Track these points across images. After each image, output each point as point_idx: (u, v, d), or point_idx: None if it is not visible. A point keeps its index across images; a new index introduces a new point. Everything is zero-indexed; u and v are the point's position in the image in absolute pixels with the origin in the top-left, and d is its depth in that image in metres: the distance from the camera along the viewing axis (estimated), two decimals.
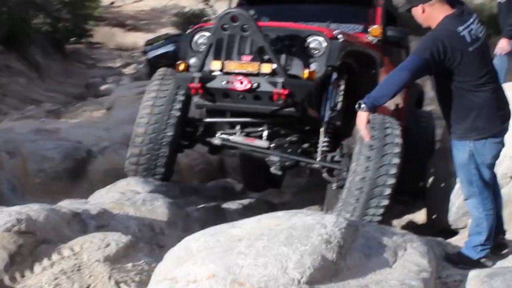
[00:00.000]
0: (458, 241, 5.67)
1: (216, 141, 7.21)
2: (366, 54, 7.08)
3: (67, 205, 5.76)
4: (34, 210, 4.92)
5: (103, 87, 23.18)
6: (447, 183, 7.16)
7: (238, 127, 7.18)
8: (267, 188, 9.37)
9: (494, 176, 5.03)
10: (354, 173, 6.23)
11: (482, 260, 4.74)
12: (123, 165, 7.55)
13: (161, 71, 7.43)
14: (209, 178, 9.70)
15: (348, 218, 4.41)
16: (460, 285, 4.05)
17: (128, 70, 28.42)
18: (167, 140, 7.00)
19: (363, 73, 7.03)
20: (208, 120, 7.35)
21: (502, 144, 4.79)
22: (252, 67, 6.37)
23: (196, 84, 6.43)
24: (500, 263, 4.66)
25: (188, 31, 7.14)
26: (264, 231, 3.80)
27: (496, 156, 4.83)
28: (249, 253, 3.58)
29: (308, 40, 6.45)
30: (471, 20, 4.68)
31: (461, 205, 6.74)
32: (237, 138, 7.11)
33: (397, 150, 6.21)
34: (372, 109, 4.65)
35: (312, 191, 9.71)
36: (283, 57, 6.40)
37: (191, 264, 3.69)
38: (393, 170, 6.15)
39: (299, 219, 3.93)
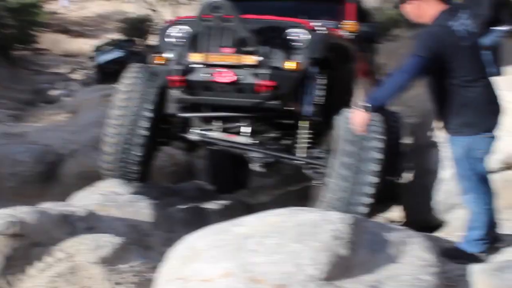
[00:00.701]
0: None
1: (193, 136, 7.00)
2: (344, 48, 7.00)
3: (52, 207, 5.68)
4: (25, 212, 4.84)
5: (52, 93, 23.00)
6: (424, 180, 7.26)
7: (217, 122, 6.99)
8: (235, 189, 9.18)
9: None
10: (334, 170, 6.10)
11: (482, 255, 4.81)
12: (94, 168, 7.41)
13: (131, 68, 7.07)
14: (178, 180, 9.64)
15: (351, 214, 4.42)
16: (462, 278, 4.10)
17: (76, 76, 28.27)
18: (139, 140, 6.71)
19: (340, 68, 6.90)
20: (184, 115, 7.06)
21: (493, 139, 4.87)
22: (235, 59, 6.20)
23: (176, 77, 6.26)
24: (501, 257, 4.72)
25: (163, 24, 7.12)
26: (271, 229, 3.80)
27: (489, 151, 4.90)
28: (262, 251, 3.58)
29: (289, 32, 6.33)
30: (463, 16, 4.76)
31: (441, 200, 6.86)
32: (218, 134, 6.93)
33: (379, 145, 6.13)
34: (376, 110, 4.72)
35: (282, 190, 9.79)
36: (264, 49, 6.23)
37: (201, 262, 3.67)
38: (375, 166, 6.05)
39: (304, 216, 3.94)
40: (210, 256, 3.70)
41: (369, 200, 6.06)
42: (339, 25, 7.37)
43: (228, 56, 6.22)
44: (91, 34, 42.04)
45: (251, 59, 6.13)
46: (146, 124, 6.68)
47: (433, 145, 7.26)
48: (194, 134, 6.97)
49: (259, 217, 4.11)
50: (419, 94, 17.61)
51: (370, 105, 4.70)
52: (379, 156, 6.10)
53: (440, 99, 4.82)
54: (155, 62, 6.62)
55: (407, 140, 8.76)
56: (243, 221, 4.11)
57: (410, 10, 4.84)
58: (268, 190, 10.02)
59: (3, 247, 4.44)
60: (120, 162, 6.80)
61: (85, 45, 36.31)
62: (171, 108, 7.15)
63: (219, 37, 6.29)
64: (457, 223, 6.59)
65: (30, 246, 4.62)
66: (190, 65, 6.29)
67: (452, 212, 6.79)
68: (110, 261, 4.63)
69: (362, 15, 8.24)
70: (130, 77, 6.88)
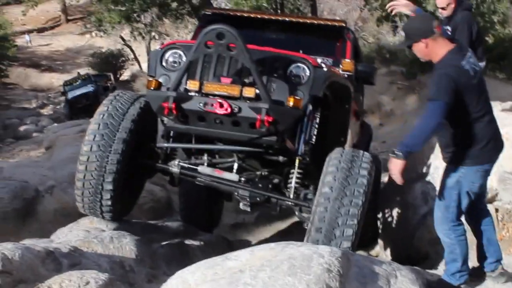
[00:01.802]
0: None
1: (174, 169, 6.65)
2: (344, 87, 6.77)
3: (35, 243, 5.65)
4: (8, 249, 4.79)
5: (22, 128, 22.88)
6: (403, 215, 7.35)
7: (204, 156, 6.73)
8: (207, 226, 8.84)
9: (483, 202, 5.23)
10: (318, 204, 5.79)
11: (462, 287, 4.88)
12: (72, 204, 7.15)
13: (109, 96, 6.67)
14: (158, 216, 9.64)
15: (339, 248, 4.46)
16: None
17: (46, 111, 28.12)
18: (111, 175, 6.30)
19: (336, 107, 6.76)
20: (169, 145, 6.76)
21: (488, 174, 4.98)
22: (234, 90, 5.86)
23: (170, 104, 5.86)
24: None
25: (158, 47, 6.66)
26: (263, 262, 3.83)
27: (483, 186, 5.01)
28: (255, 284, 3.61)
29: (292, 67, 6.05)
30: (469, 54, 4.92)
31: (420, 236, 6.94)
32: (205, 169, 6.60)
33: (363, 181, 5.83)
34: (407, 157, 4.78)
35: (262, 226, 9.82)
36: (264, 82, 5.90)
37: None
38: (358, 200, 5.71)
39: (294, 250, 3.98)
40: None
41: (353, 234, 5.72)
42: (338, 64, 7.16)
43: (227, 86, 5.92)
44: (61, 68, 41.94)
45: (251, 92, 5.81)
46: (118, 157, 6.32)
47: (413, 180, 7.36)
48: (176, 166, 6.65)
49: (251, 251, 4.14)
50: (393, 130, 17.83)
51: (403, 152, 4.77)
52: (364, 190, 5.81)
53: (445, 131, 4.95)
54: (148, 86, 6.17)
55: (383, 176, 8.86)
56: (235, 255, 4.14)
57: (419, 49, 4.97)
58: (247, 226, 10.04)
59: None
60: (92, 199, 6.46)
61: (54, 79, 36.30)
62: (155, 138, 7.01)
63: (219, 65, 6.04)
64: (440, 256, 6.70)
65: (14, 283, 4.56)
66: (185, 92, 6.01)
67: (434, 245, 6.87)
68: None
69: (357, 53, 8.20)
70: (104, 107, 6.51)
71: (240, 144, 6.29)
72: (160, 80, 6.17)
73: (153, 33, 32.71)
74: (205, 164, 6.66)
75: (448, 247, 5.06)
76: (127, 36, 34.42)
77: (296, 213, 6.49)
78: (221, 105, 5.77)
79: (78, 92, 32.02)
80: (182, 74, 5.92)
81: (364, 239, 7.05)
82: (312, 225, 5.80)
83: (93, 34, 28.09)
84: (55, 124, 20.96)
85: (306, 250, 3.97)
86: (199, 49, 5.81)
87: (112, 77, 37.30)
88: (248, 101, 5.81)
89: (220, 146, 6.56)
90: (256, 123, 5.74)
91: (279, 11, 22.86)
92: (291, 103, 5.77)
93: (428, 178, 7.11)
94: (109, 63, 41.26)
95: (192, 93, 5.97)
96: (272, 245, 4.22)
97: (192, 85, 5.96)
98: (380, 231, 8.05)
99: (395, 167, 4.79)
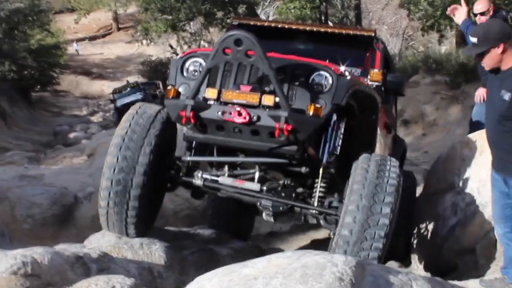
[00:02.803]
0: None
1: (197, 181, 6.50)
2: (369, 97, 6.55)
3: (66, 248, 5.81)
4: (38, 253, 4.97)
5: (71, 135, 23.19)
6: (433, 227, 7.35)
7: (225, 168, 6.58)
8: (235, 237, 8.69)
9: None
10: (345, 214, 5.69)
11: None
12: None
13: (131, 110, 6.51)
14: (194, 224, 9.76)
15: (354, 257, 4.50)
16: None
17: (95, 118, 28.45)
18: (137, 191, 6.14)
19: (362, 118, 6.56)
20: (190, 159, 6.62)
21: None
22: (253, 98, 5.70)
23: (188, 113, 5.73)
24: None
25: (179, 56, 6.49)
26: (277, 270, 3.91)
27: None
28: None
29: (314, 75, 5.90)
30: None
31: (449, 247, 6.94)
32: (226, 179, 6.47)
33: (392, 189, 5.71)
34: None
35: (296, 235, 9.88)
36: (285, 90, 5.75)
37: None
38: (387, 209, 5.61)
39: (309, 258, 4.05)
40: None
41: (382, 245, 5.63)
42: (367, 74, 7.00)
43: (245, 94, 5.77)
44: (112, 76, 42.40)
45: (271, 100, 5.64)
46: (144, 172, 6.15)
47: (443, 191, 7.37)
48: (199, 179, 6.51)
49: (267, 259, 4.22)
50: (435, 141, 17.69)
51: None
52: (391, 199, 5.67)
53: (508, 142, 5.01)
54: (167, 95, 6.06)
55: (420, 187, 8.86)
56: (252, 262, 4.23)
57: (494, 54, 5.00)
58: (282, 235, 10.11)
59: (15, 286, 4.55)
60: (118, 216, 6.30)
61: (105, 87, 36.76)
62: (177, 150, 6.89)
63: (239, 73, 5.92)
64: (468, 267, 6.71)
65: (43, 286, 4.73)
66: (204, 101, 5.86)
67: (463, 256, 6.88)
68: None
69: (387, 63, 8.00)
70: (126, 122, 6.33)
71: (262, 154, 6.20)
72: (180, 89, 6.07)
73: (202, 42, 32.97)
74: (226, 175, 6.52)
75: None
76: (175, 45, 34.69)
77: (321, 222, 6.36)
78: (240, 114, 5.64)
79: (127, 100, 32.42)
80: (200, 82, 5.80)
81: (396, 249, 7.06)
82: (339, 235, 5.70)
83: (143, 42, 28.25)
84: (104, 131, 21.26)
85: (321, 259, 4.03)
86: (217, 56, 5.64)
87: (161, 85, 37.71)
88: (267, 110, 5.67)
89: (242, 158, 6.47)
90: (275, 132, 5.60)
91: (323, 20, 22.92)
92: (311, 112, 5.63)
93: (458, 189, 7.08)
94: (158, 71, 41.67)
95: (211, 102, 5.84)
96: (289, 253, 4.31)
97: (210, 93, 5.84)
98: (413, 242, 8.03)
99: None
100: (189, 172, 6.62)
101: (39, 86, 32.48)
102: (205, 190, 6.74)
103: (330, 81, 5.84)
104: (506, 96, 4.86)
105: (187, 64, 6.22)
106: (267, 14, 27.35)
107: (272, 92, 5.68)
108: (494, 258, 6.50)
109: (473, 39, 5.06)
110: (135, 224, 6.32)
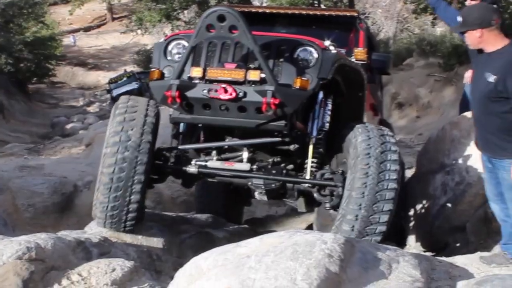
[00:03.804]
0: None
1: (191, 169, 6.36)
2: (355, 72, 6.50)
3: (68, 234, 6.00)
4: (42, 238, 5.18)
5: (68, 126, 23.31)
6: (424, 206, 7.54)
7: (213, 152, 6.49)
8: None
9: None
10: (351, 190, 5.74)
11: None
12: None
13: (122, 100, 6.36)
14: (191, 209, 9.89)
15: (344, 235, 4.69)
16: None
17: (92, 109, 28.46)
18: (138, 186, 6.00)
19: (349, 95, 6.57)
20: (181, 147, 6.52)
21: None
22: (238, 75, 5.65)
23: (173, 93, 5.65)
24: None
25: (161, 40, 6.39)
26: (269, 248, 4.10)
27: None
28: (259, 268, 3.88)
29: (299, 50, 5.89)
30: None
31: (440, 225, 7.13)
32: (215, 163, 6.40)
33: (395, 157, 5.82)
34: None
35: (292, 218, 10.04)
36: (270, 66, 5.68)
37: (205, 280, 3.98)
38: (393, 184, 5.68)
39: (300, 237, 4.23)
40: (213, 274, 4.01)
41: (387, 219, 5.71)
42: (351, 53, 6.86)
43: (230, 71, 5.70)
44: (108, 66, 42.29)
45: (256, 75, 5.60)
46: (145, 167, 6.01)
47: (434, 171, 7.54)
48: (193, 166, 6.39)
49: (260, 239, 4.41)
50: (429, 123, 17.76)
51: None
52: (396, 174, 5.76)
53: (502, 126, 5.11)
54: (151, 77, 5.97)
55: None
56: (245, 242, 4.41)
57: (472, 38, 5.17)
58: (278, 219, 10.27)
59: (21, 271, 4.72)
60: (118, 212, 6.11)
61: (101, 77, 36.65)
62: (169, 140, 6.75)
63: (224, 52, 5.87)
64: (459, 244, 6.90)
65: (47, 269, 4.92)
66: (189, 80, 5.78)
67: (453, 234, 7.07)
68: (122, 283, 4.89)
69: (371, 43, 7.98)
70: (120, 116, 6.14)
71: (250, 135, 6.18)
72: (165, 71, 5.97)
73: None
74: (214, 158, 6.46)
75: None
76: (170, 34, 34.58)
77: (315, 195, 6.27)
78: (226, 90, 5.60)
79: (122, 89, 32.32)
80: (184, 62, 5.72)
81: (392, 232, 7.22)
82: (345, 211, 5.75)
83: (137, 32, 28.23)
84: (100, 121, 21.40)
85: (311, 237, 4.22)
86: (200, 33, 5.57)
87: None
88: (253, 85, 5.62)
89: (233, 142, 6.45)
90: (262, 107, 5.56)
91: (316, 4, 22.98)
92: (298, 85, 5.60)
93: (448, 169, 7.26)
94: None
95: (196, 81, 5.77)
96: (281, 233, 4.49)
97: (195, 72, 5.76)
98: (407, 222, 8.20)
99: None
100: (178, 161, 6.51)
101: (35, 78, 32.49)
102: (197, 177, 6.65)
103: (315, 55, 5.83)
104: (491, 78, 5.00)
105: (170, 46, 6.16)
106: (260, 0, 27.38)
107: (257, 69, 5.66)
108: (484, 235, 6.70)
109: (459, 18, 5.31)
110: (134, 219, 6.19)
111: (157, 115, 6.27)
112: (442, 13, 8.89)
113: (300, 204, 6.94)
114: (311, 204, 6.84)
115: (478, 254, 5.51)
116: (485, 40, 5.11)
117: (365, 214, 5.63)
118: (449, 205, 7.03)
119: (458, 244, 6.97)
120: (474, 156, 6.69)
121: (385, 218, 5.66)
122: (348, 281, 3.97)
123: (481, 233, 6.77)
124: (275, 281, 3.75)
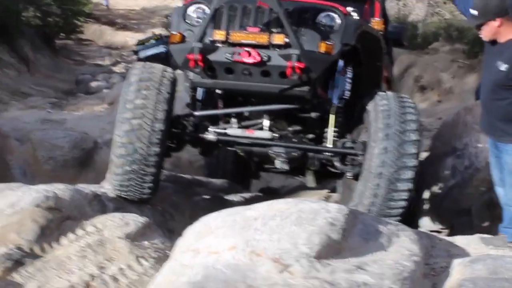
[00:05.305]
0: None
1: (210, 136, 6.26)
2: (375, 40, 6.42)
3: (85, 187, 6.21)
4: (60, 189, 5.41)
5: (93, 84, 23.45)
6: (435, 187, 7.69)
7: (233, 120, 6.44)
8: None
9: None
10: (370, 167, 5.73)
11: None
12: None
13: (137, 66, 6.21)
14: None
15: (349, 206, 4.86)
16: (445, 270, 4.55)
17: (118, 69, 28.48)
18: (153, 159, 5.89)
19: (368, 65, 6.49)
20: (199, 113, 6.43)
21: None
22: (262, 38, 5.55)
23: (196, 55, 5.52)
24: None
25: (181, 3, 6.28)
26: (276, 213, 4.29)
27: None
28: (264, 230, 4.08)
29: (322, 16, 5.82)
30: None
31: (446, 206, 7.28)
32: (236, 131, 6.33)
33: (415, 138, 5.79)
34: None
35: (302, 189, 10.20)
36: (295, 29, 5.60)
37: (212, 238, 4.19)
38: (413, 162, 5.69)
39: (306, 205, 4.41)
40: (221, 233, 4.21)
41: (404, 206, 5.82)
42: (368, 24, 6.70)
43: (254, 34, 5.60)
44: (136, 27, 42.16)
45: (281, 38, 5.50)
46: (161, 136, 5.88)
47: (446, 154, 7.68)
48: (212, 134, 6.29)
49: (268, 204, 4.59)
50: (450, 108, 17.76)
51: None
52: (415, 149, 5.78)
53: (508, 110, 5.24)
54: (171, 40, 5.87)
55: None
56: (254, 206, 4.59)
57: (491, 28, 5.21)
58: (292, 190, 10.42)
59: (39, 218, 4.96)
60: (135, 181, 6.03)
61: (128, 38, 36.46)
62: (186, 107, 6.72)
63: (245, 16, 5.78)
64: (464, 226, 7.05)
65: (63, 219, 5.15)
66: (211, 43, 5.67)
67: (460, 217, 7.22)
68: (134, 237, 5.10)
69: (385, 16, 7.77)
70: (135, 85, 5.97)
71: (271, 101, 6.08)
72: (185, 35, 5.85)
73: None
74: (234, 126, 6.40)
75: None
76: None
77: (337, 164, 6.25)
78: (249, 54, 5.49)
79: (149, 52, 32.28)
80: (206, 24, 5.63)
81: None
82: (363, 189, 5.81)
83: None
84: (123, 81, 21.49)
85: (317, 206, 4.40)
86: None
87: None
88: (277, 49, 5.55)
89: (254, 108, 6.34)
90: (287, 71, 5.48)
91: None
92: (322, 49, 5.56)
93: (459, 153, 7.39)
94: None
95: (218, 44, 5.67)
96: (289, 200, 4.68)
97: (218, 35, 5.66)
98: (419, 203, 8.33)
99: None
100: (196, 129, 6.42)
101: (63, 34, 32.49)
102: (216, 146, 6.60)
103: (339, 21, 5.81)
104: (502, 67, 5.10)
105: (189, 10, 6.06)
106: None
107: (281, 33, 5.58)
108: (488, 219, 6.85)
109: (474, 12, 5.31)
110: (152, 188, 6.14)
111: (174, 83, 6.15)
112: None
113: (309, 179, 7.06)
114: (320, 179, 6.94)
115: (478, 235, 5.63)
116: (503, 29, 5.17)
117: (383, 192, 5.71)
118: (457, 188, 7.17)
119: (463, 227, 7.10)
120: (483, 142, 6.82)
121: (404, 196, 5.76)
122: (348, 249, 4.15)
123: (485, 217, 6.90)
124: (278, 243, 3.94)
